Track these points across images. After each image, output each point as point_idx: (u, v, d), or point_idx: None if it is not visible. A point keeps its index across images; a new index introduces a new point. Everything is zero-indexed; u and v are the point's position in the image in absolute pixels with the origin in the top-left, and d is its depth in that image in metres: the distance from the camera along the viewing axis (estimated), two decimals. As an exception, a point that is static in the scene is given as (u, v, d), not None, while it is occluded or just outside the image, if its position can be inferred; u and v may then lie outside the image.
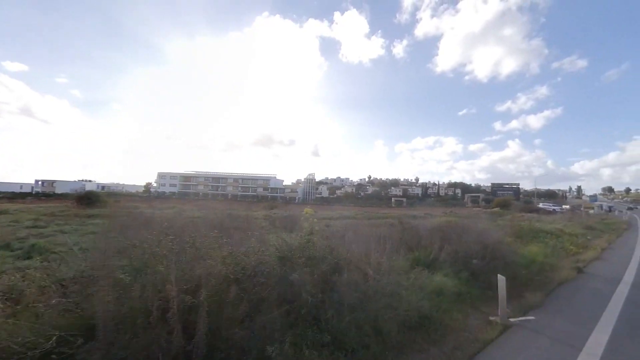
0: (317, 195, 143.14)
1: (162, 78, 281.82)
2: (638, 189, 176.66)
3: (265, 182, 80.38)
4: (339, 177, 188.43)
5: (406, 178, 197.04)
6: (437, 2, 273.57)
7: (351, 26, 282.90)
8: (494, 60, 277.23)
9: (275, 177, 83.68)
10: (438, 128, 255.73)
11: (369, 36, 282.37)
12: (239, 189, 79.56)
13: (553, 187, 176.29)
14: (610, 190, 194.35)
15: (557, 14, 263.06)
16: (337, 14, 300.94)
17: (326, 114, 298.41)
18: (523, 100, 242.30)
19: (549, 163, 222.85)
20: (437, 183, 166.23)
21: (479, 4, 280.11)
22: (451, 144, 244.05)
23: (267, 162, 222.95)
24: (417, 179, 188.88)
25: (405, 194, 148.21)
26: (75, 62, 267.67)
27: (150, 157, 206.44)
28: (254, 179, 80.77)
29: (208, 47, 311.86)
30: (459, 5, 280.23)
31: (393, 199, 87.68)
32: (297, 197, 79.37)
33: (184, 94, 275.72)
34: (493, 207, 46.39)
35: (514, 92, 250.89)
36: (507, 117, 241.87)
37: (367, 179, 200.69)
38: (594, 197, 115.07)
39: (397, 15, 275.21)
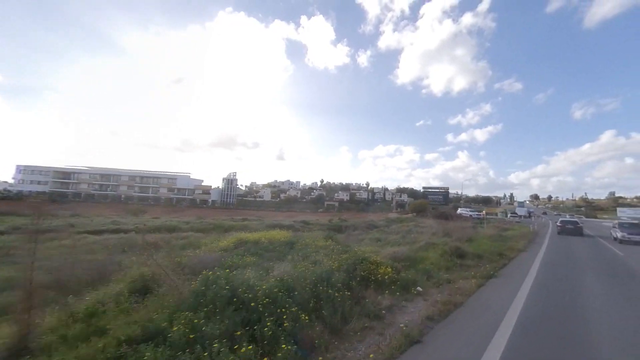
0: (259, 199, 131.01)
1: (110, 69, 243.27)
2: (558, 197, 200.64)
3: (170, 181, 66.34)
4: (288, 180, 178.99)
5: (357, 182, 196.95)
6: (398, 17, 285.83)
7: (318, 32, 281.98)
8: (448, 77, 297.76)
9: (188, 176, 70.14)
10: (398, 137, 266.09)
11: (334, 43, 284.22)
12: (136, 189, 64.40)
13: (494, 194, 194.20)
14: (536, 197, 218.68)
15: (499, 40, 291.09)
16: (303, 18, 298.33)
17: (292, 118, 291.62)
18: (471, 116, 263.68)
19: (491, 173, 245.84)
20: (384, 188, 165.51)
21: (435, 24, 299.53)
22: (410, 152, 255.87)
23: (229, 164, 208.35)
24: (367, 184, 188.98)
25: (352, 198, 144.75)
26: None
27: (90, 154, 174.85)
28: (156, 178, 66.12)
29: (164, 39, 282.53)
30: (418, 23, 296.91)
31: (325, 203, 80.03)
32: (209, 200, 66.82)
33: (135, 88, 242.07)
34: (409, 212, 40.20)
35: (464, 108, 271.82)
36: (457, 129, 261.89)
37: (319, 183, 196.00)
38: (521, 204, 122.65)
39: (362, 26, 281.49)
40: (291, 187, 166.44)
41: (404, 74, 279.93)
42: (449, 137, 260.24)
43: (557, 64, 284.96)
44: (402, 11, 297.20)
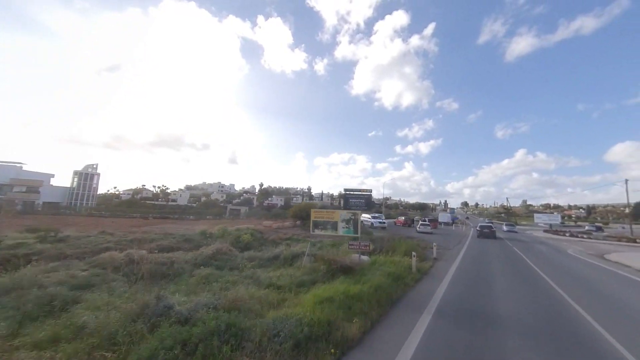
0: (172, 203, 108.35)
1: (24, 50, 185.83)
2: (483, 204, 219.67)
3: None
4: (219, 183, 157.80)
5: (301, 188, 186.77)
6: (354, 30, 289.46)
7: (275, 34, 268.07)
8: (397, 92, 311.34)
9: (20, 167, 47.85)
10: (352, 146, 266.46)
11: (292, 48, 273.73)
12: None
13: (433, 201, 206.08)
14: (466, 204, 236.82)
15: (440, 63, 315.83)
16: (260, 18, 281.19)
17: (246, 120, 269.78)
18: (416, 130, 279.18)
19: (432, 182, 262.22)
20: (322, 193, 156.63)
21: (387, 41, 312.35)
22: (362, 161, 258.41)
23: (174, 166, 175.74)
24: (309, 188, 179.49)
25: (287, 203, 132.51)
26: None
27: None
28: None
29: (94, 19, 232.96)
30: (372, 38, 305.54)
31: (229, 207, 64.91)
32: (38, 201, 45.77)
33: (55, 72, 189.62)
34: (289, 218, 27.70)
35: (410, 122, 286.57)
36: (405, 142, 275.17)
37: (258, 187, 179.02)
38: (452, 210, 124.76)
39: (320, 34, 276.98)
40: (222, 190, 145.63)
41: (359, 85, 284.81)
42: (397, 148, 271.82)
43: (485, 89, 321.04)
44: (358, 25, 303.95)
